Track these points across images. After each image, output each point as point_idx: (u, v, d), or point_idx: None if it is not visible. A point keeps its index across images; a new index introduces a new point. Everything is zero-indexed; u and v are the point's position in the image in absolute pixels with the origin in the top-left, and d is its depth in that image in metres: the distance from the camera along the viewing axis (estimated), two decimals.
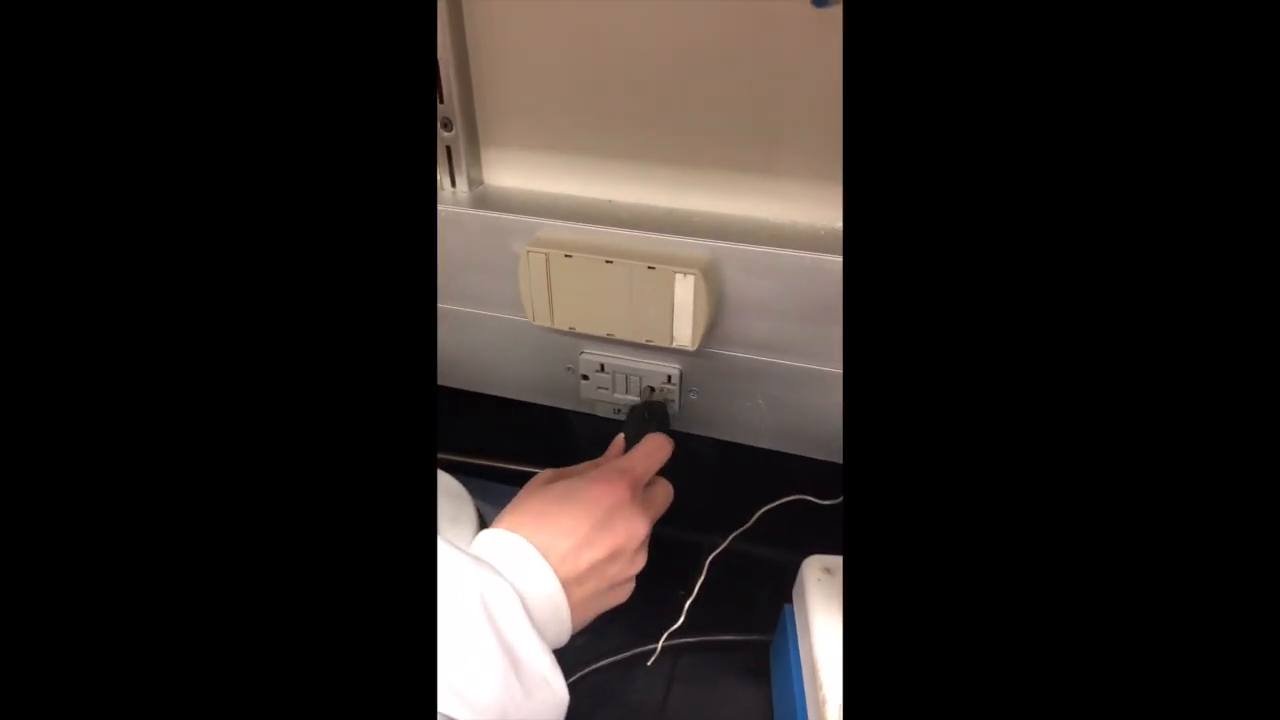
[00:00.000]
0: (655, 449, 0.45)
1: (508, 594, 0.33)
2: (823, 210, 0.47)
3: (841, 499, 0.52)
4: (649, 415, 0.51)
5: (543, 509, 0.39)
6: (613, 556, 0.38)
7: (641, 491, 0.41)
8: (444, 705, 0.29)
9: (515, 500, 0.40)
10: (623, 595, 0.40)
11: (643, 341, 0.49)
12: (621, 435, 0.49)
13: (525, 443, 0.44)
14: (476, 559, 0.34)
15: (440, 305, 0.54)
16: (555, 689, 0.33)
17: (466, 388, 0.60)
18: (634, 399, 0.54)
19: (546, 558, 0.36)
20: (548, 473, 0.43)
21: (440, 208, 0.50)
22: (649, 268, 0.45)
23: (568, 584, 0.36)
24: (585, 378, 0.54)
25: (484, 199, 0.52)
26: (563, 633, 0.37)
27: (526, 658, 0.32)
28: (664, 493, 0.44)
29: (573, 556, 0.37)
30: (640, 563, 0.40)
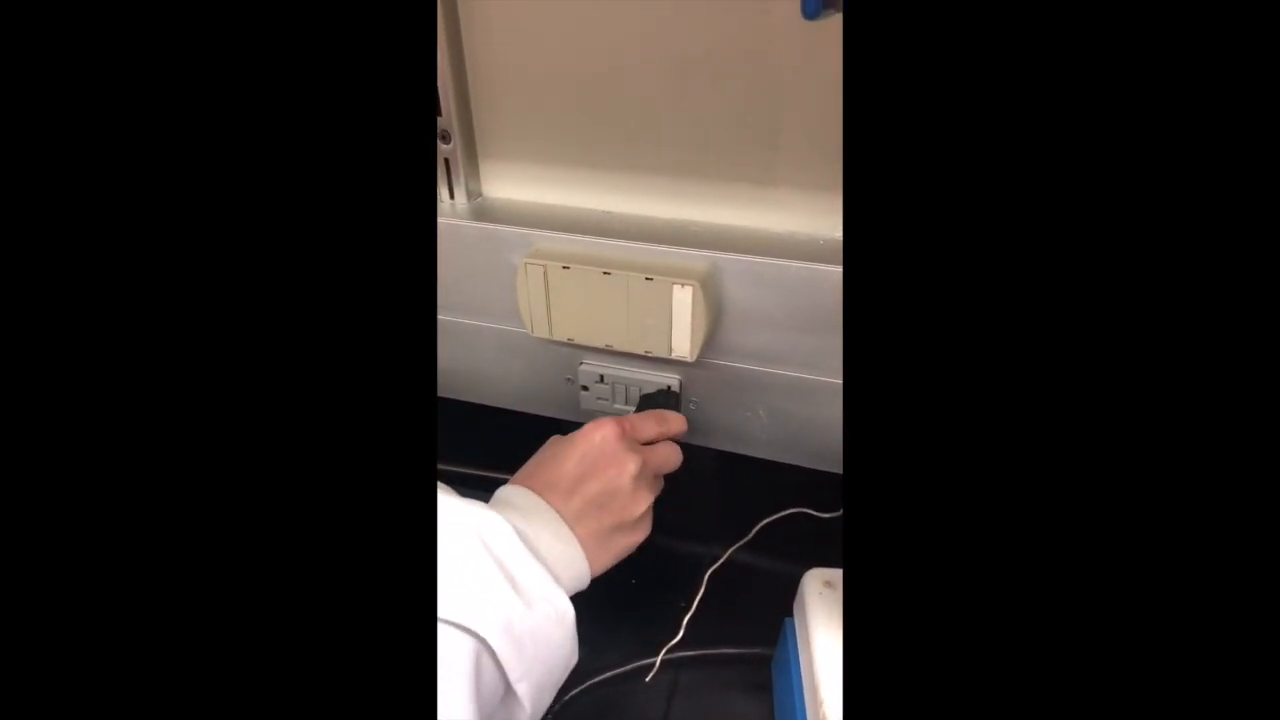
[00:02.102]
0: (660, 416, 0.46)
1: (501, 525, 0.35)
2: (821, 220, 0.47)
3: (842, 511, 0.52)
4: (661, 404, 0.51)
5: (537, 461, 0.43)
6: (608, 491, 0.40)
7: (636, 442, 0.43)
8: (449, 613, 0.31)
9: None
10: (639, 534, 0.42)
11: (641, 353, 0.49)
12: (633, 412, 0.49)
13: (525, 454, 0.44)
14: (472, 502, 0.36)
15: (439, 317, 0.54)
16: (557, 604, 0.35)
17: (465, 399, 0.59)
18: (633, 410, 0.54)
19: (547, 500, 0.39)
20: (554, 438, 0.45)
21: (439, 220, 0.50)
22: (647, 279, 0.45)
23: (571, 520, 0.39)
24: (585, 389, 0.54)
25: (482, 211, 0.52)
26: (580, 567, 0.39)
27: (523, 577, 0.34)
28: (668, 448, 0.45)
29: (566, 493, 0.40)
30: (643, 498, 0.41)
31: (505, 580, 0.34)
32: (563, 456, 0.41)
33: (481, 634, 0.31)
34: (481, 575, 0.33)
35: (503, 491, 0.41)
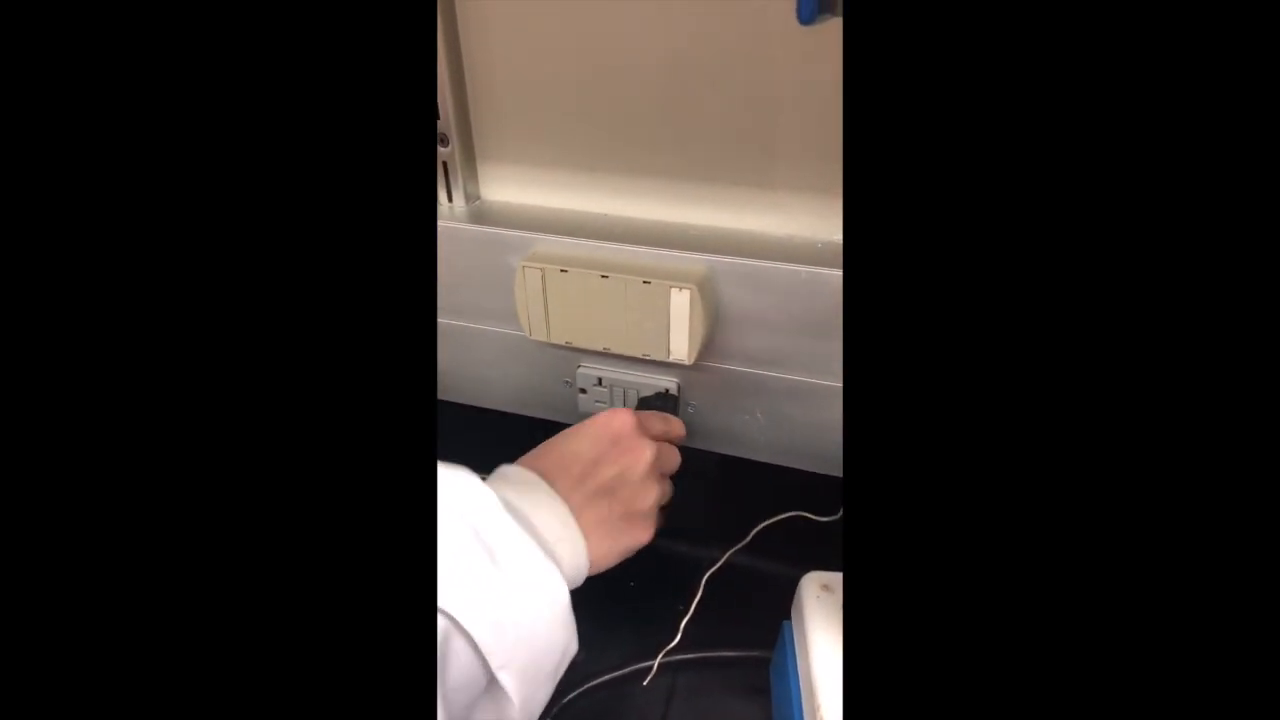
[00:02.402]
0: (666, 418, 0.46)
1: (484, 494, 0.32)
2: (820, 223, 0.47)
3: (839, 515, 0.52)
4: (659, 407, 0.51)
5: (545, 445, 0.41)
6: (622, 477, 0.39)
7: (649, 433, 0.42)
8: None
9: None
10: (644, 531, 0.40)
11: (640, 356, 0.49)
12: None
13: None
14: (456, 467, 0.33)
15: (437, 319, 0.54)
16: (548, 585, 0.32)
17: (463, 401, 0.59)
18: None
19: (552, 481, 0.37)
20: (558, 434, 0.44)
21: (437, 223, 0.50)
22: (645, 282, 0.45)
23: (578, 506, 0.37)
24: (583, 391, 0.54)
25: (480, 214, 0.52)
26: (578, 551, 0.36)
27: (507, 553, 0.31)
28: (670, 449, 0.45)
29: (580, 476, 0.38)
30: (653, 490, 0.40)
31: (484, 554, 0.30)
32: (576, 439, 0.40)
33: (451, 613, 0.28)
34: (454, 548, 0.30)
35: (501, 468, 0.38)
